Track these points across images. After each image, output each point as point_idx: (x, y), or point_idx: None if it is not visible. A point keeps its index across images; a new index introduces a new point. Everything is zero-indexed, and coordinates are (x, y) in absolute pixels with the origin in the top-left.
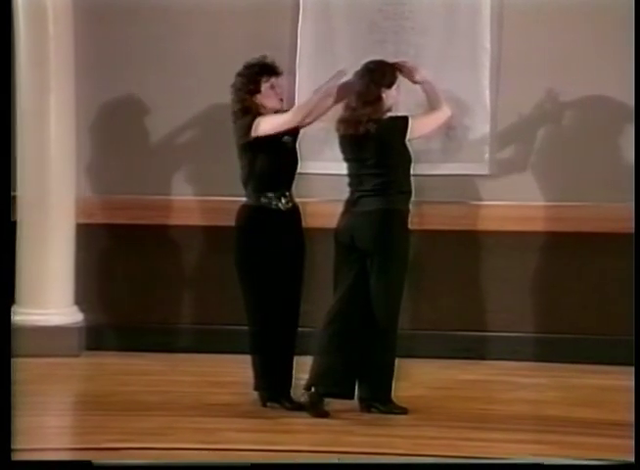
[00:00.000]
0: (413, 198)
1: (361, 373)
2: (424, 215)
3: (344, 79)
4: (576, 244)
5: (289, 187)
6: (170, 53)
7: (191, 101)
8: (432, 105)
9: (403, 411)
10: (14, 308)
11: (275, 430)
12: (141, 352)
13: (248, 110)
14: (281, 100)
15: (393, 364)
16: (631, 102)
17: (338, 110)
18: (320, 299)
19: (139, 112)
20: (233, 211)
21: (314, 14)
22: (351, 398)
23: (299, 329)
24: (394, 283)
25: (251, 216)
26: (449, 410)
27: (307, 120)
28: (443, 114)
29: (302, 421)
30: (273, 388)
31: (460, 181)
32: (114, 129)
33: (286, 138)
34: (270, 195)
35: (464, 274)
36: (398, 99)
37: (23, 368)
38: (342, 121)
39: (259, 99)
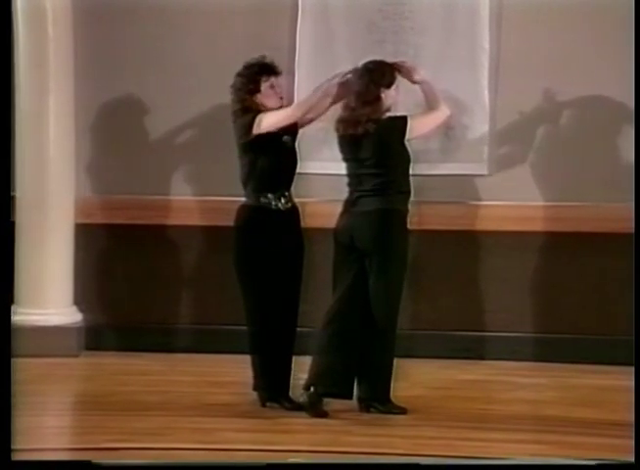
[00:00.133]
0: (412, 198)
1: (360, 373)
2: (423, 215)
3: (341, 79)
4: (576, 244)
5: (288, 187)
6: (169, 53)
7: (190, 101)
8: (430, 105)
9: (402, 411)
10: (13, 308)
11: (274, 430)
12: (140, 352)
13: (248, 109)
14: (281, 99)
15: (392, 364)
16: (630, 102)
17: (337, 110)
18: (319, 299)
19: (138, 112)
20: (232, 212)
21: (313, 14)
22: (350, 398)
23: (298, 329)
24: (393, 283)
25: (250, 216)
26: (448, 410)
27: (308, 117)
28: (442, 113)
29: (301, 421)
30: (272, 388)
31: (459, 181)
32: (113, 130)
33: (285, 138)
34: (270, 195)
35: (463, 274)
36: (397, 99)
37: (23, 368)
38: (342, 121)
39: (259, 99)
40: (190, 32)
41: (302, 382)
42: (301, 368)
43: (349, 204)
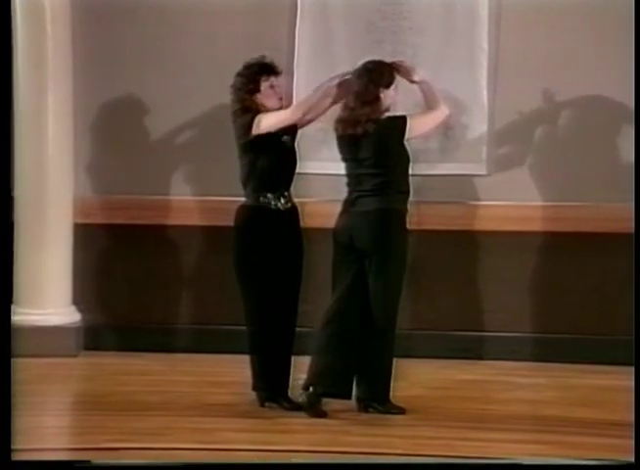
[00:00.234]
0: (411, 198)
1: (359, 373)
2: (422, 215)
3: (340, 79)
4: (575, 244)
5: (288, 187)
6: (168, 53)
7: (189, 101)
8: (429, 104)
9: (401, 411)
10: (11, 308)
11: (273, 430)
12: (139, 352)
13: (247, 109)
14: (280, 99)
15: (391, 364)
16: (629, 101)
17: (336, 110)
18: (319, 299)
19: (137, 111)
20: (232, 211)
21: (312, 14)
22: (349, 398)
23: (298, 329)
24: (393, 283)
25: (249, 216)
26: (447, 410)
27: (307, 117)
28: (441, 113)
29: (300, 421)
30: (271, 388)
31: (458, 181)
32: (111, 129)
33: (285, 138)
34: (269, 195)
35: (462, 274)
36: (396, 99)
37: (22, 368)
38: (341, 121)
39: (259, 98)
40: (189, 32)
41: (302, 382)
42: (301, 368)
43: (349, 204)
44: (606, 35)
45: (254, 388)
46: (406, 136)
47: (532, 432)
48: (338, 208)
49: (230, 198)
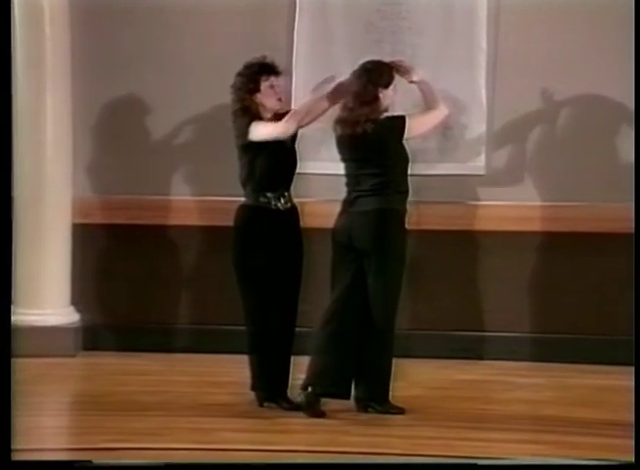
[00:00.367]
0: (410, 198)
1: (358, 373)
2: (421, 215)
3: (338, 81)
4: (574, 244)
5: (288, 187)
6: (167, 53)
7: (188, 101)
8: (428, 104)
9: (400, 411)
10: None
11: (272, 430)
12: (138, 353)
13: (247, 109)
14: (280, 99)
15: (390, 364)
16: (628, 101)
17: (335, 110)
18: (318, 299)
19: (136, 112)
20: (231, 212)
21: (311, 13)
22: (348, 398)
23: (297, 329)
24: (392, 283)
25: (249, 216)
26: (446, 410)
27: (306, 121)
28: (440, 113)
29: (299, 421)
30: (270, 388)
31: (457, 181)
32: (111, 129)
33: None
34: (269, 195)
35: (461, 274)
36: (395, 99)
37: (20, 368)
38: (340, 122)
39: (259, 98)
40: (187, 32)
41: (301, 382)
42: (300, 368)
43: (348, 204)
44: (604, 35)
45: (253, 388)
46: (405, 136)
47: (532, 432)
48: (337, 208)
49: (229, 198)
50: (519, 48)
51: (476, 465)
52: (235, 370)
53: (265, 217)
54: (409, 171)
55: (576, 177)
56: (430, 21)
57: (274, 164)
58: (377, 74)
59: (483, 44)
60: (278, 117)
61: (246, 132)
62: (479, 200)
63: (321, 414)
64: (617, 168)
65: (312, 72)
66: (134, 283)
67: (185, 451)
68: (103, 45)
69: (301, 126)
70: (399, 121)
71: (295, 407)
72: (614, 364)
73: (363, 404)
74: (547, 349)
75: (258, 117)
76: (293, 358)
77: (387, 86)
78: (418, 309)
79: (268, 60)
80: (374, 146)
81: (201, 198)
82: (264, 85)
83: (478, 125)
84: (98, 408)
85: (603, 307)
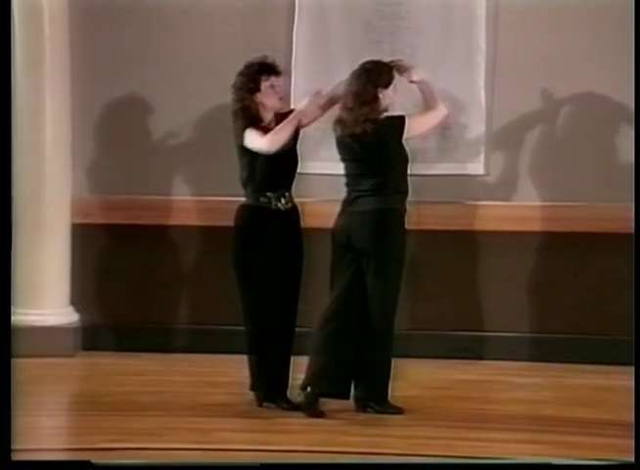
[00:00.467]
0: (409, 198)
1: (357, 373)
2: (420, 215)
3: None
4: (573, 244)
5: (288, 187)
6: (166, 53)
7: (187, 101)
8: (428, 104)
9: (399, 411)
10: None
11: (271, 430)
12: (137, 353)
13: (247, 108)
14: (281, 99)
15: (389, 364)
16: (627, 101)
17: (335, 110)
18: (317, 299)
19: (135, 112)
20: (230, 212)
21: (310, 14)
22: (347, 398)
23: (297, 329)
24: (391, 283)
25: (249, 216)
26: (446, 410)
27: (306, 121)
28: (440, 112)
29: (298, 421)
30: (269, 388)
31: (456, 181)
32: (110, 129)
33: None
34: (270, 195)
35: (461, 274)
36: (395, 99)
37: (19, 368)
38: (340, 122)
39: (259, 98)
40: (186, 33)
41: (300, 382)
42: (299, 368)
43: (347, 203)
44: (603, 35)
45: (252, 388)
46: (405, 136)
47: (531, 432)
48: (337, 208)
49: (229, 198)
50: (518, 48)
51: (475, 465)
52: (234, 370)
53: (265, 217)
54: (409, 171)
55: (576, 177)
56: (429, 21)
57: (274, 165)
58: (376, 75)
59: (482, 44)
60: (279, 116)
61: (242, 135)
62: (478, 200)
63: (320, 414)
64: (617, 168)
65: (311, 73)
66: (133, 283)
67: (184, 451)
68: (102, 45)
69: (303, 126)
70: (399, 121)
71: (294, 407)
72: (613, 364)
73: (362, 404)
74: (546, 349)
75: (258, 118)
76: (293, 358)
77: (386, 86)
78: (417, 309)
79: (269, 60)
80: (373, 146)
81: (200, 198)
82: (265, 85)
83: (477, 125)
84: (97, 408)
85: (602, 307)
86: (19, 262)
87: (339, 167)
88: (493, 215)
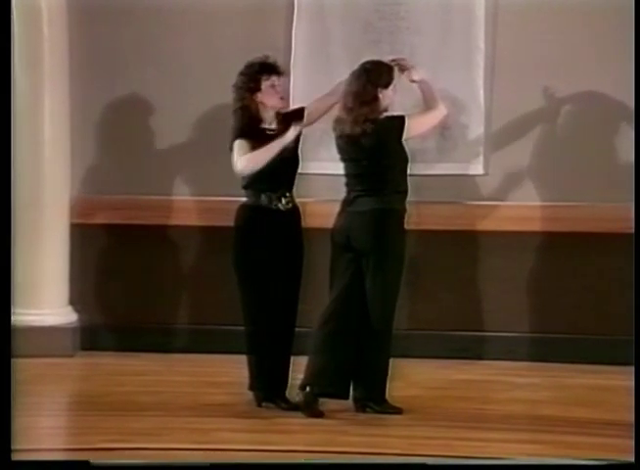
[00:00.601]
0: (409, 198)
1: (356, 373)
2: (420, 215)
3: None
4: (573, 244)
5: (289, 187)
6: (165, 53)
7: (186, 101)
8: (428, 104)
9: (398, 411)
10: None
11: (270, 430)
12: (136, 353)
13: (247, 108)
14: (281, 99)
15: (388, 364)
16: (627, 101)
17: (334, 110)
18: (317, 299)
19: (134, 112)
20: (230, 212)
21: (309, 14)
22: (346, 397)
23: (297, 329)
24: (390, 283)
25: (249, 216)
26: (445, 410)
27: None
28: (440, 112)
29: (297, 421)
30: (268, 388)
31: (455, 181)
32: (109, 129)
33: None
34: (270, 195)
35: (460, 274)
36: (394, 99)
37: (18, 368)
38: (339, 121)
39: (259, 97)
40: (185, 33)
41: (299, 382)
42: (299, 368)
43: (347, 203)
44: (603, 35)
45: (251, 387)
46: (404, 136)
47: (530, 432)
48: (336, 208)
49: (228, 198)
50: (517, 48)
51: (474, 465)
52: (233, 370)
53: (266, 217)
54: (408, 171)
55: (576, 177)
56: (428, 21)
57: (275, 165)
58: (376, 74)
59: (481, 44)
60: (279, 116)
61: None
62: (477, 200)
63: (319, 414)
64: (617, 168)
65: (310, 73)
66: (132, 283)
67: (183, 451)
68: (101, 45)
69: (304, 126)
70: (398, 121)
71: (293, 407)
72: (612, 364)
73: (361, 404)
74: (546, 348)
75: (258, 118)
76: (292, 358)
77: (386, 86)
78: (417, 309)
79: (270, 59)
80: (373, 146)
81: (200, 198)
82: (265, 84)
83: (476, 125)
84: (96, 408)
85: (602, 307)
86: (17, 262)
87: (339, 167)
88: (493, 215)
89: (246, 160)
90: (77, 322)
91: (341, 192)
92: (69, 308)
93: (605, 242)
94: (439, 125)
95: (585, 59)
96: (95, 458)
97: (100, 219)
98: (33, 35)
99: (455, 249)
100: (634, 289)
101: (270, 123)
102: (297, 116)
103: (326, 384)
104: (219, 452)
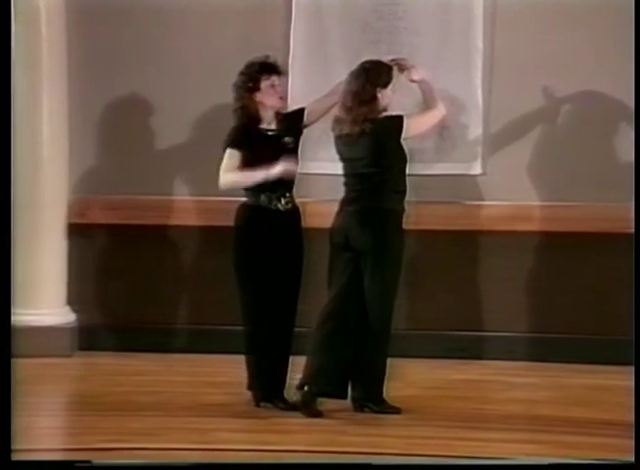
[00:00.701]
0: (407, 198)
1: (354, 373)
2: (418, 215)
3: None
4: (571, 244)
5: (289, 188)
6: (164, 53)
7: (186, 101)
8: (427, 103)
9: (396, 411)
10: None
11: (269, 430)
12: (135, 353)
13: (246, 108)
14: (281, 99)
15: (386, 364)
16: (626, 100)
17: (334, 110)
18: (316, 298)
19: (133, 112)
20: (229, 212)
21: (307, 14)
22: (344, 397)
23: (296, 329)
24: (389, 283)
25: (249, 216)
26: (443, 410)
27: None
28: (439, 112)
29: (296, 421)
30: (267, 388)
31: (454, 181)
32: (107, 129)
33: (286, 139)
34: (270, 195)
35: (459, 274)
36: (393, 99)
37: (17, 368)
38: (338, 121)
39: (259, 97)
40: (184, 33)
41: (297, 382)
42: (297, 368)
43: (345, 203)
44: (602, 34)
45: (250, 387)
46: (403, 136)
47: (529, 431)
48: (335, 207)
49: (228, 198)
50: (515, 48)
51: (473, 465)
52: (231, 370)
53: (265, 217)
54: (407, 171)
55: (575, 177)
56: (426, 21)
57: (274, 165)
58: (375, 74)
59: (480, 44)
60: (279, 116)
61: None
62: (476, 200)
63: (317, 414)
64: (616, 168)
65: (309, 73)
66: (131, 283)
67: (182, 451)
68: (99, 45)
69: (306, 125)
70: (397, 121)
71: (291, 407)
72: (611, 364)
73: (359, 404)
74: (544, 348)
75: (257, 118)
76: (291, 358)
77: (385, 86)
78: (415, 309)
79: (270, 59)
80: (372, 146)
81: (198, 198)
82: (265, 84)
83: (474, 125)
84: (95, 409)
85: (601, 307)
86: (16, 262)
87: (338, 167)
88: (492, 215)
89: (229, 178)
90: (76, 322)
91: (340, 192)
92: (68, 308)
93: (604, 242)
94: (438, 125)
95: (585, 59)
96: (94, 458)
97: (98, 219)
98: (32, 35)
99: (454, 249)
100: (634, 289)
101: (269, 123)
102: (297, 116)
103: (324, 383)
104: (218, 452)
